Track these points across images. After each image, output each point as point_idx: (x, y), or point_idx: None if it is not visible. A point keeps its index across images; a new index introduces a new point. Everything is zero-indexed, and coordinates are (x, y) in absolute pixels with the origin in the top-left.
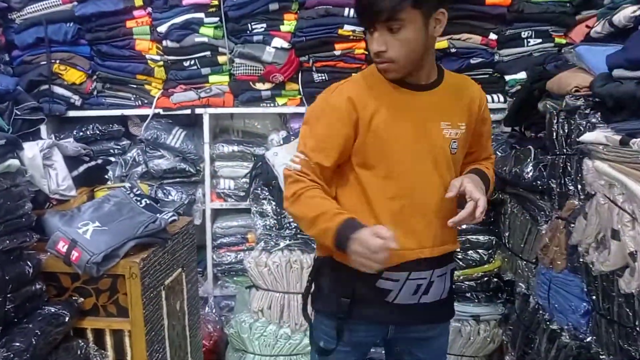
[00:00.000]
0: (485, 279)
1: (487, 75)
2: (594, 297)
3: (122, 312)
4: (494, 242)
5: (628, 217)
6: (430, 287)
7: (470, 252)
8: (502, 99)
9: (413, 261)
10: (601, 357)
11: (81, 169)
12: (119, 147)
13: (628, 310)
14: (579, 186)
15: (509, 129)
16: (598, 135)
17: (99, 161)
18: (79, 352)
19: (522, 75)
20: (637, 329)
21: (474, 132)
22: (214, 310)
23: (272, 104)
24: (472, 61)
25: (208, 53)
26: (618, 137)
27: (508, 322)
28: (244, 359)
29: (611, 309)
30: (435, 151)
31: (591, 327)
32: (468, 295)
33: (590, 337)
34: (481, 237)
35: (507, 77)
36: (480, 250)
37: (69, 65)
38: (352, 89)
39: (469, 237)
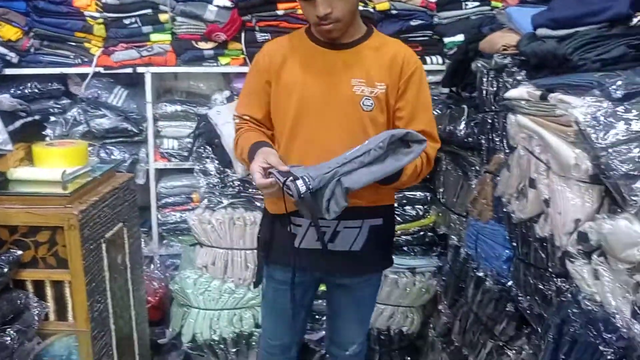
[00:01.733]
0: (421, 233)
1: (426, 38)
2: (514, 244)
3: (61, 264)
4: (429, 198)
5: (543, 166)
6: (335, 236)
7: (407, 207)
8: (440, 60)
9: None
10: (519, 298)
11: (17, 124)
12: (58, 106)
13: (542, 253)
14: (505, 141)
15: (447, 90)
16: (521, 91)
17: (36, 117)
18: (19, 303)
19: (460, 37)
20: (550, 270)
21: (401, 96)
22: (159, 268)
23: (215, 64)
24: (412, 23)
25: (149, 11)
26: (539, 93)
27: (441, 273)
28: (188, 314)
29: (529, 253)
30: (343, 106)
31: (512, 272)
32: (405, 248)
33: (511, 281)
34: (417, 193)
35: (446, 40)
36: (416, 206)
37: (3, 21)
38: (272, 45)
39: (405, 193)
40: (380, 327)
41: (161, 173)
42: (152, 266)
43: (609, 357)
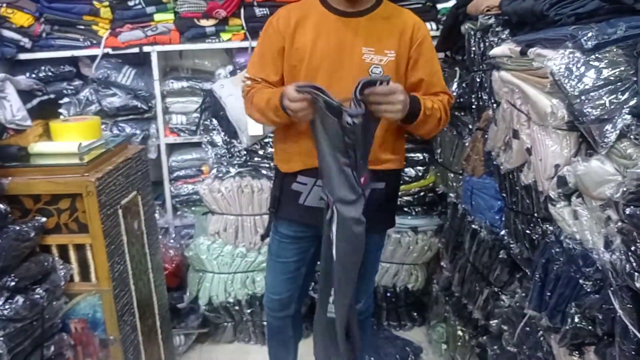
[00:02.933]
0: (422, 193)
1: (420, 5)
2: (504, 195)
3: (82, 229)
4: (427, 159)
5: (524, 117)
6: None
7: (407, 169)
8: (435, 27)
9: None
10: (511, 245)
11: (35, 102)
12: (71, 87)
13: (528, 200)
14: (492, 97)
15: (442, 55)
16: (504, 49)
17: (52, 95)
18: (46, 265)
19: (453, 2)
20: (535, 215)
21: (414, 65)
22: (174, 238)
23: (217, 40)
24: None
25: None
26: (519, 49)
27: (442, 231)
28: (204, 279)
29: (517, 201)
30: (353, 73)
31: (503, 222)
32: (406, 209)
33: (503, 231)
34: (417, 155)
35: (439, 6)
36: (416, 167)
37: (15, 8)
38: (286, 10)
39: (405, 155)
40: (386, 285)
41: (172, 148)
42: (167, 237)
43: (588, 289)
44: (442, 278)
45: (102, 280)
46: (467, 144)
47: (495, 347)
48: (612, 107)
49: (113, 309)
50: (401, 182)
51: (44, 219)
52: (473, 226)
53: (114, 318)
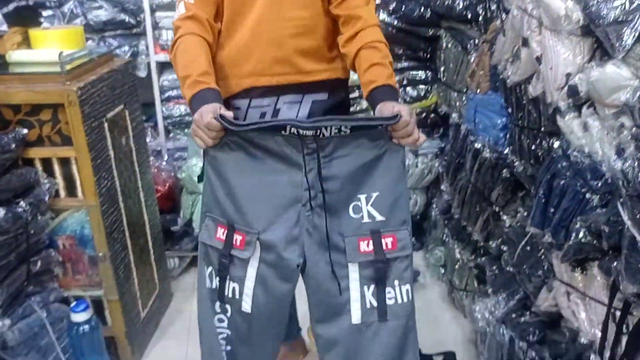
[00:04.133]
0: (423, 114)
1: None
2: (509, 110)
3: (66, 141)
4: (430, 78)
5: (535, 22)
6: (277, 114)
7: (408, 88)
8: None
9: (252, 89)
10: (515, 163)
11: (11, 6)
12: None
13: (535, 113)
14: (501, 6)
15: None
16: None
17: (30, 2)
18: (29, 178)
19: None
20: (542, 129)
21: None
22: (167, 160)
23: None
24: None
25: None
26: None
27: (443, 153)
28: (197, 201)
29: (523, 116)
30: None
31: (507, 139)
32: None
33: (507, 149)
34: (418, 73)
35: None
36: (418, 87)
37: None
38: None
39: (406, 74)
40: None
41: (163, 66)
42: (160, 159)
43: (594, 203)
44: (441, 202)
45: (89, 195)
46: (472, 59)
47: (494, 267)
48: (631, 7)
49: (101, 226)
50: (402, 102)
51: (25, 131)
52: (476, 145)
53: (103, 235)
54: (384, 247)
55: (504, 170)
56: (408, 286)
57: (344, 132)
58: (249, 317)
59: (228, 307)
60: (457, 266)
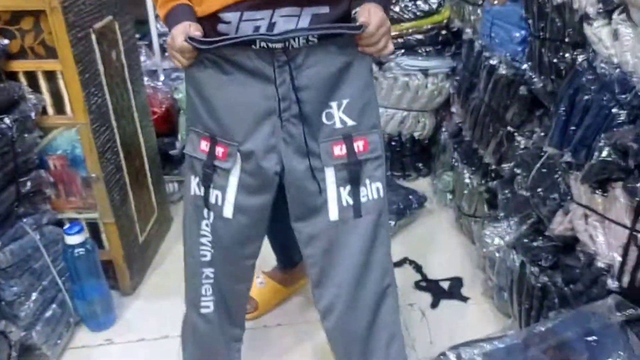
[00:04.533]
0: (434, 31)
1: None
2: (530, 21)
3: (51, 53)
4: None
5: None
6: (273, 27)
7: (418, 2)
8: None
9: (243, 0)
10: (533, 79)
11: None
12: None
13: (559, 23)
14: None
15: None
16: None
17: None
18: (12, 93)
19: None
20: (566, 40)
21: None
22: (164, 81)
23: None
24: None
25: None
26: None
27: (455, 73)
28: None
29: (545, 27)
30: None
31: (526, 54)
32: (417, 49)
33: (525, 64)
34: None
35: None
36: (429, 1)
37: None
38: None
39: None
40: (392, 133)
41: None
42: (156, 79)
43: (621, 119)
44: (451, 125)
45: (78, 112)
46: None
47: (506, 191)
48: None
49: (92, 145)
50: (411, 16)
51: (5, 41)
52: (491, 62)
53: (95, 155)
54: (356, 149)
55: (521, 88)
56: (379, 184)
57: (312, 41)
58: (229, 222)
59: (212, 213)
60: (466, 191)
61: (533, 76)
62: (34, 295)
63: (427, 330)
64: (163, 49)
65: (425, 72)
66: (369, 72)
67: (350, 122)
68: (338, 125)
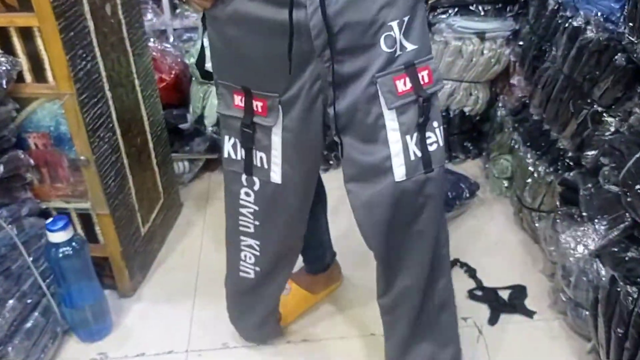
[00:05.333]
0: None
1: None
2: None
3: (25, 5)
4: None
5: None
6: None
7: None
8: None
9: None
10: (636, 46)
11: None
12: None
13: None
14: None
15: None
16: None
17: None
18: None
19: None
20: None
21: None
22: (174, 43)
23: None
24: None
25: None
26: None
27: (517, 38)
28: (210, 93)
29: None
30: None
31: (626, 12)
32: (472, 7)
33: (624, 26)
34: None
35: None
36: None
37: None
38: None
39: None
40: None
41: None
42: (165, 41)
43: None
44: (511, 99)
45: (61, 80)
46: None
47: (589, 185)
48: None
49: (81, 121)
50: None
51: None
52: (574, 23)
53: (83, 132)
54: (421, 81)
55: (618, 56)
56: (440, 125)
57: None
58: (279, 188)
59: (256, 179)
60: (529, 180)
61: (635, 41)
62: (10, 303)
63: (486, 352)
64: (173, 6)
65: (481, 35)
66: None
67: (410, 47)
68: (398, 52)
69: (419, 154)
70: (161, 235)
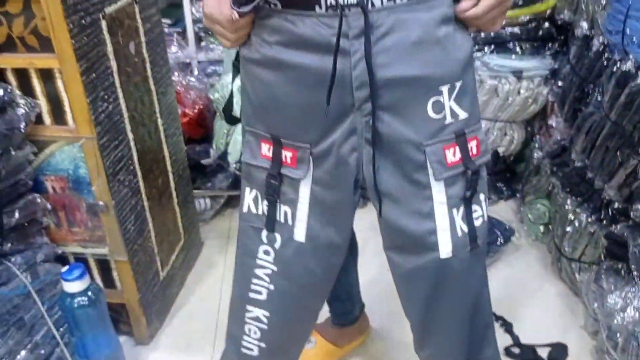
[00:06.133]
0: (533, 24)
1: None
2: None
3: (45, 46)
4: None
5: None
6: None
7: None
8: None
9: None
10: None
11: None
12: None
13: None
14: None
15: None
16: None
17: None
18: None
19: None
20: None
21: None
22: (197, 76)
23: None
24: None
25: None
26: None
27: (557, 77)
28: (234, 129)
29: None
30: None
31: None
32: (509, 45)
33: None
34: None
35: None
36: None
37: None
38: None
39: None
40: None
41: None
42: (189, 74)
43: None
44: (549, 142)
45: (81, 123)
46: None
47: (639, 241)
48: None
49: (100, 165)
50: None
51: None
52: (622, 67)
53: (103, 177)
54: (470, 153)
55: None
56: (486, 197)
57: None
58: (301, 248)
59: (277, 236)
60: (569, 228)
61: None
62: (22, 355)
63: None
64: (199, 38)
65: (518, 74)
66: (471, 44)
67: (462, 114)
68: (449, 119)
69: (466, 229)
70: (181, 278)
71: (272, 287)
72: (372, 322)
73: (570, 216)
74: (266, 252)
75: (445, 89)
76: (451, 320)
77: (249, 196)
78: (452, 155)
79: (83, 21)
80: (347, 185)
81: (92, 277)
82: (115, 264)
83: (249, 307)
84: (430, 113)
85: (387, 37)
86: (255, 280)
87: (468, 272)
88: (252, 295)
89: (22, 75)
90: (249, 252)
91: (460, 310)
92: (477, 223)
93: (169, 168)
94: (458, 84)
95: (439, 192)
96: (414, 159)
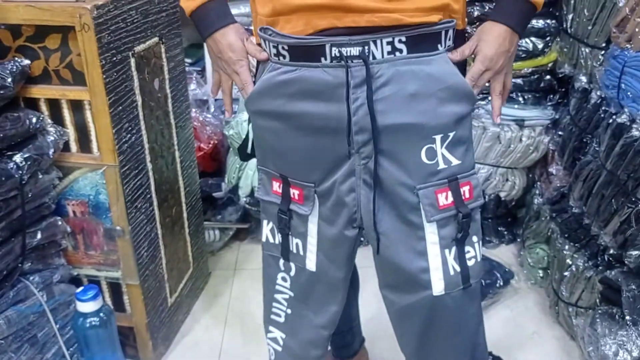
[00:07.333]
0: (536, 76)
1: None
2: None
3: (78, 79)
4: (551, 28)
5: None
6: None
7: (521, 41)
8: None
9: (329, 30)
10: None
11: None
12: None
13: None
14: None
15: None
16: None
17: None
18: (28, 124)
19: None
20: None
21: None
22: (214, 113)
23: None
24: None
25: None
26: None
27: (557, 127)
28: (246, 165)
29: None
30: None
31: None
32: (513, 95)
33: None
34: (537, 22)
35: None
36: (534, 39)
37: None
38: None
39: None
40: None
41: None
42: (206, 111)
43: None
44: (549, 188)
45: (106, 151)
46: (622, 3)
47: (633, 287)
48: None
49: (120, 192)
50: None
51: (26, 61)
52: (618, 120)
53: (122, 203)
54: (463, 196)
55: None
56: (480, 239)
57: (399, 49)
58: (313, 276)
59: (292, 265)
60: (567, 273)
61: None
62: None
63: None
64: None
65: (520, 122)
66: (472, 96)
67: (454, 162)
68: (441, 165)
69: (458, 268)
70: (187, 306)
71: (289, 310)
72: (372, 357)
73: (568, 261)
74: (284, 279)
75: (438, 137)
76: (446, 357)
77: (266, 227)
78: (445, 198)
79: (115, 58)
80: (342, 223)
81: (103, 300)
82: (127, 288)
83: (270, 328)
84: (424, 159)
85: (386, 87)
86: (275, 305)
87: (461, 310)
88: (273, 317)
89: (53, 105)
90: (270, 278)
91: (455, 348)
92: (470, 263)
93: (183, 198)
94: (451, 134)
95: (431, 232)
96: (408, 201)
